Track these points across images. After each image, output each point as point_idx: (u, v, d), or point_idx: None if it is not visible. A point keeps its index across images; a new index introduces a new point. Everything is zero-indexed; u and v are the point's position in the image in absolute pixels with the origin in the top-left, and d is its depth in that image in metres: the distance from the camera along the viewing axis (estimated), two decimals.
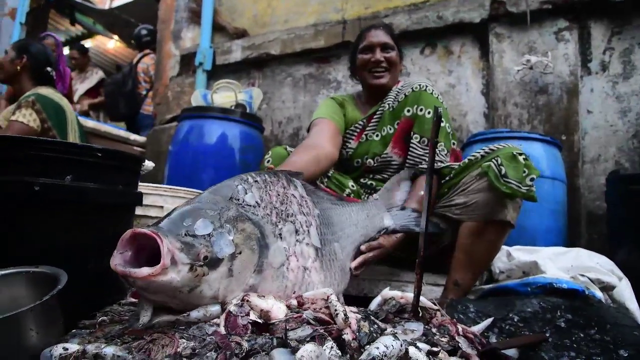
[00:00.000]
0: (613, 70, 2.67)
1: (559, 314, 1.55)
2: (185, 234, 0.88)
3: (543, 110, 2.72)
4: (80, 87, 4.93)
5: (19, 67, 2.42)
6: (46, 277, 0.93)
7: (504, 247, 1.95)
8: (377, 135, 1.93)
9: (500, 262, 1.88)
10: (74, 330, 0.95)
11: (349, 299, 1.87)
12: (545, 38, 2.76)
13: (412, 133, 1.83)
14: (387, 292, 1.35)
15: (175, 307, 0.90)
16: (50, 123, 2.28)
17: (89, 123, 3.29)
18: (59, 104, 2.39)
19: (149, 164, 1.77)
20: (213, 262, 0.89)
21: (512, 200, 1.56)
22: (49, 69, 2.47)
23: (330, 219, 1.35)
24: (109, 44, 6.85)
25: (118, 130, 3.61)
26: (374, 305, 1.35)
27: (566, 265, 1.76)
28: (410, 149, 1.84)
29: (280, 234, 1.09)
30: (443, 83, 3.08)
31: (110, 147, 3.46)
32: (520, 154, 1.53)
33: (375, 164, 1.94)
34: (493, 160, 1.54)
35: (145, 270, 0.80)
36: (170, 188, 2.03)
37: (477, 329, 1.35)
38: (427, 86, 1.86)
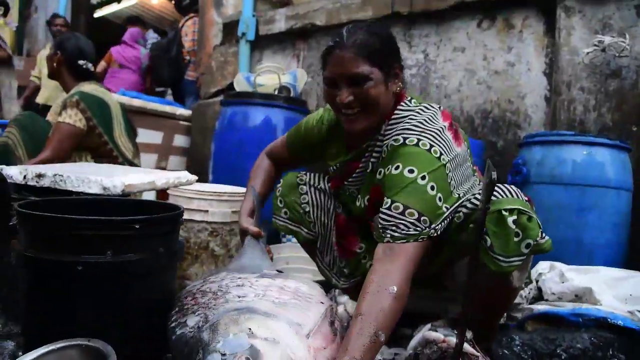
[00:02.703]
0: None
1: (610, 352, 1.48)
2: None
3: (613, 97, 2.46)
4: None
5: (55, 64, 2.44)
6: (97, 352, 0.97)
7: (557, 266, 1.85)
8: (358, 201, 1.45)
9: (552, 282, 1.79)
10: None
11: None
12: (624, 13, 2.44)
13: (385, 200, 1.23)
14: (429, 334, 1.33)
15: None
16: (95, 121, 2.31)
17: (135, 102, 3.31)
18: (102, 99, 2.40)
19: (192, 179, 1.77)
20: None
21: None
22: (81, 62, 2.43)
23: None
24: (153, 0, 6.75)
25: (164, 106, 3.63)
26: (414, 342, 1.34)
27: (624, 293, 1.66)
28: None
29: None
30: (501, 60, 2.84)
31: (157, 124, 3.51)
32: (512, 211, 1.14)
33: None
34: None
35: None
36: (214, 192, 2.05)
37: None
38: (410, 138, 1.23)
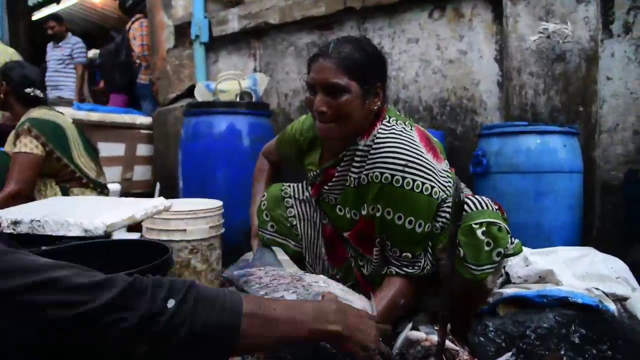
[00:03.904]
0: (637, 32, 2.51)
1: (573, 328, 1.63)
2: None
3: (560, 80, 2.61)
4: None
5: (2, 95, 2.37)
6: None
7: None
8: (339, 210, 1.53)
9: (517, 266, 1.94)
10: None
11: None
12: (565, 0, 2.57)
13: (378, 237, 1.43)
14: (412, 334, 1.44)
15: None
16: (51, 145, 2.26)
17: (94, 116, 3.23)
18: (54, 122, 2.34)
19: (168, 205, 1.79)
20: None
21: None
22: (28, 90, 2.37)
23: None
24: None
25: (123, 116, 3.55)
26: (399, 342, 1.44)
27: (581, 271, 1.82)
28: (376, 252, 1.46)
29: None
30: (454, 49, 2.94)
31: (118, 136, 3.43)
32: (481, 225, 1.25)
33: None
34: None
35: None
36: (190, 211, 2.07)
37: None
38: (396, 177, 1.31)
